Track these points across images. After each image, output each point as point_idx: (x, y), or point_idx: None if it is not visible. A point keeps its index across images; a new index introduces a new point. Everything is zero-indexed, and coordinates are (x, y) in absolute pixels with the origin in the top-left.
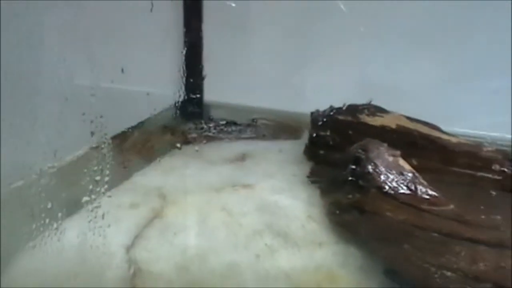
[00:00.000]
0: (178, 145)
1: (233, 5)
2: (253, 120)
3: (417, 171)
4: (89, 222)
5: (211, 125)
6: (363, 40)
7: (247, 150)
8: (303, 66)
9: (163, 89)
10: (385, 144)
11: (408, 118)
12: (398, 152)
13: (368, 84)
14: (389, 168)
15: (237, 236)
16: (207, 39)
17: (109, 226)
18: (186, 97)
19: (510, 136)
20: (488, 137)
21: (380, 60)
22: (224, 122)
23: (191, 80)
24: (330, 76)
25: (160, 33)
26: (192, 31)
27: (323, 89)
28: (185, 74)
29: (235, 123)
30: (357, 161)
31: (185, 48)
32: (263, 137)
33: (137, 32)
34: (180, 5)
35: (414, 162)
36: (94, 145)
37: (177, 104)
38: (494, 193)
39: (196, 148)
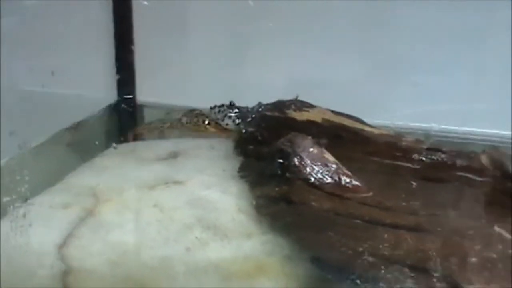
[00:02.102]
0: (114, 144)
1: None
2: None
3: (341, 162)
4: (19, 224)
5: None
6: (294, 38)
7: (179, 147)
8: (238, 65)
9: (96, 91)
10: (310, 137)
11: (333, 111)
12: (319, 142)
13: (300, 81)
14: (314, 160)
15: (168, 230)
16: (139, 38)
17: (40, 227)
18: (118, 98)
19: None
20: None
21: (311, 58)
22: None
23: (123, 81)
24: (264, 73)
25: (90, 33)
26: (123, 30)
27: (258, 87)
28: (117, 75)
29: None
30: (284, 154)
31: (116, 49)
32: None
33: (66, 33)
34: (109, 4)
35: (339, 153)
36: (25, 149)
37: (109, 106)
38: (413, 181)
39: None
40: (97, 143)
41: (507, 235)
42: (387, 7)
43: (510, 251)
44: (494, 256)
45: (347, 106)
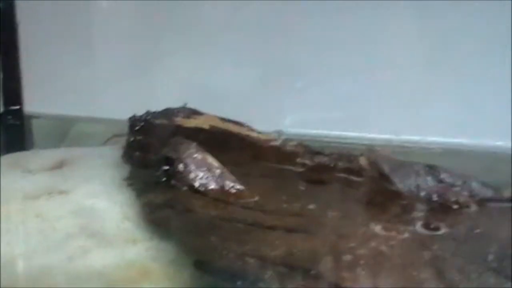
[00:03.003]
0: None
1: None
2: None
3: (227, 167)
4: None
5: None
6: (190, 47)
7: (66, 156)
8: (131, 73)
9: None
10: (195, 144)
11: (221, 118)
12: (204, 148)
13: (195, 89)
14: (198, 166)
15: (50, 240)
16: (25, 45)
17: None
18: (4, 109)
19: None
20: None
21: (205, 66)
22: None
23: (9, 91)
24: (159, 81)
25: None
26: (6, 35)
27: (152, 95)
28: (2, 84)
29: None
30: (169, 161)
31: (1, 57)
32: None
33: None
34: None
35: (225, 159)
36: None
37: None
38: (297, 184)
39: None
40: None
41: (381, 232)
42: (276, 16)
43: (383, 248)
44: (368, 253)
45: (238, 113)
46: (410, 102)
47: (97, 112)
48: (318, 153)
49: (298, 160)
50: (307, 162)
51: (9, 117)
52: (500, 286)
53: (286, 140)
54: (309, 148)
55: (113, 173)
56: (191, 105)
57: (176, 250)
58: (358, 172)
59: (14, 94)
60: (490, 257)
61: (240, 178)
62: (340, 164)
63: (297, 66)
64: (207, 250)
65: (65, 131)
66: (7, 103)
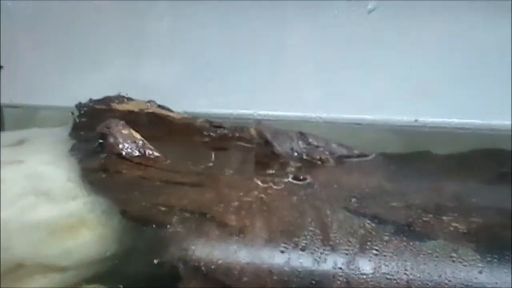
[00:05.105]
0: None
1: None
2: None
3: (149, 140)
4: None
5: None
6: (128, 49)
7: (27, 136)
8: (79, 65)
9: None
10: (123, 122)
11: (148, 102)
12: (130, 125)
13: (131, 82)
14: (125, 139)
15: (6, 199)
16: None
17: None
18: None
19: None
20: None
21: (139, 65)
22: None
23: None
24: (105, 77)
25: None
26: None
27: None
28: None
29: None
30: (102, 136)
31: None
32: None
33: None
34: None
35: (148, 134)
36: None
37: None
38: (202, 150)
39: None
40: None
41: (262, 184)
42: (193, 22)
43: (262, 195)
44: (251, 199)
45: (162, 99)
46: (295, 88)
47: (55, 101)
48: (219, 126)
49: (205, 132)
50: (212, 134)
51: None
52: (349, 221)
53: (196, 118)
54: (213, 123)
55: (62, 147)
56: (126, 94)
57: (107, 203)
58: (249, 140)
59: None
60: (342, 198)
61: (157, 147)
62: (236, 135)
63: (207, 62)
64: (130, 202)
65: (30, 117)
66: None
